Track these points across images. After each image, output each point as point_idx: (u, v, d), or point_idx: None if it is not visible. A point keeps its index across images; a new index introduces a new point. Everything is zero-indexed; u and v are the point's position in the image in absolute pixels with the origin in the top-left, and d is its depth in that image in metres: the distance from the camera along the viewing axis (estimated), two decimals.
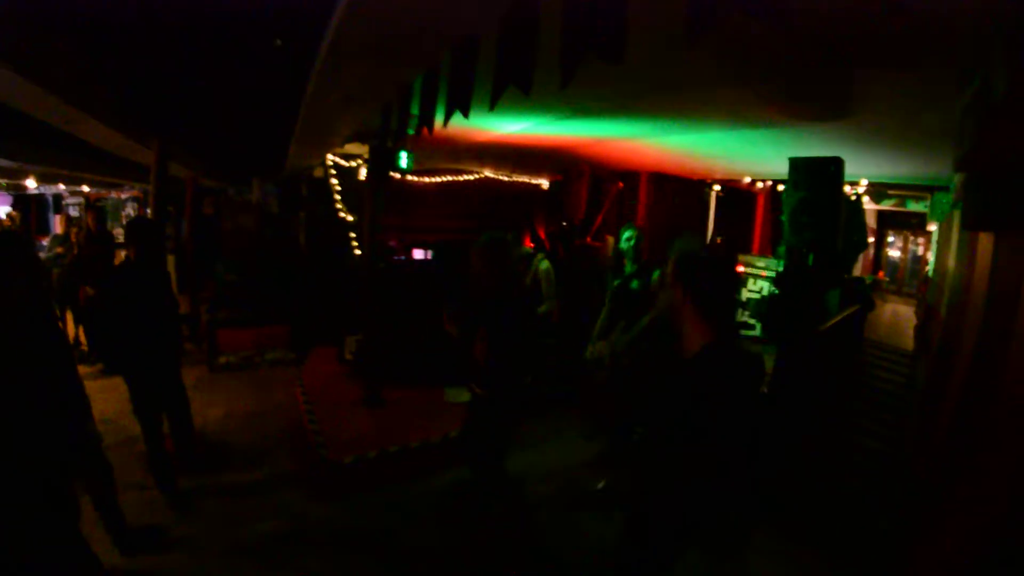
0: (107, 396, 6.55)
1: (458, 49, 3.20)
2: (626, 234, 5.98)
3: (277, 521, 4.82)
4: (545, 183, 13.31)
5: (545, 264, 6.48)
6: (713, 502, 2.73)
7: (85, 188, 18.66)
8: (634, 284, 5.82)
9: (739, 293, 9.16)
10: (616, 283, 6.04)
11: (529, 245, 10.40)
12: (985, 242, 4.50)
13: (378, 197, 6.52)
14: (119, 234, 14.42)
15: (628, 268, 5.92)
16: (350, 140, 7.42)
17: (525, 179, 12.99)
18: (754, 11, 1.75)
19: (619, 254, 6.17)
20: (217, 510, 4.94)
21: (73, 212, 20.07)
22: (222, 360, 8.85)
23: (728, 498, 2.75)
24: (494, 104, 2.94)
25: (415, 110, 4.24)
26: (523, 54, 2.61)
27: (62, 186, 18.69)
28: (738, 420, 2.61)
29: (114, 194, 20.90)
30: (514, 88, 2.72)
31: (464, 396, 6.64)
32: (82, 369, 7.52)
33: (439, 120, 3.97)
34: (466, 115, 3.41)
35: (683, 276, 2.72)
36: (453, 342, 4.74)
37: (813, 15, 2.54)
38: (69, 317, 8.83)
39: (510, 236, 4.62)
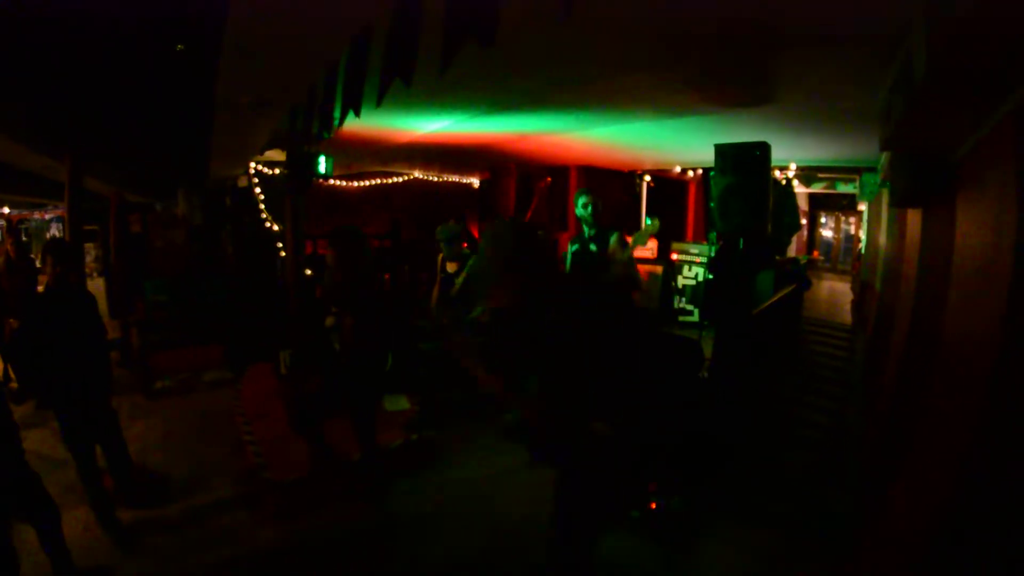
0: (41, 433, 6.25)
1: (353, 46, 3.12)
2: (581, 200, 6.02)
3: (225, 549, 4.61)
4: (475, 182, 13.27)
5: None
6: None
7: (6, 209, 17.91)
8: (592, 247, 5.87)
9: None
10: (575, 248, 6.09)
11: (464, 246, 10.35)
12: (913, 218, 4.59)
13: (299, 204, 6.37)
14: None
15: (586, 232, 5.99)
16: (271, 147, 7.22)
17: (455, 179, 12.94)
18: None
19: (576, 220, 6.24)
20: (164, 543, 4.69)
21: None
22: (158, 385, 8.48)
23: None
24: (380, 100, 2.88)
25: (319, 112, 4.18)
26: (406, 46, 2.55)
27: None
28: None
29: (37, 215, 20.12)
30: (406, 82, 2.67)
31: (403, 403, 6.55)
32: (13, 408, 7.26)
33: (337, 122, 3.91)
34: (357, 114, 3.35)
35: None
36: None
37: None
38: None
39: (356, 228, 4.85)
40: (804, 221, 15.95)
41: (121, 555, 4.50)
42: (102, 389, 4.92)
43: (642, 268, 9.39)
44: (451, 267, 6.56)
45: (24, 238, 18.41)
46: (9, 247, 8.59)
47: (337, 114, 3.71)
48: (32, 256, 9.00)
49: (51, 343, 4.46)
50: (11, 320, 7.67)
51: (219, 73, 4.03)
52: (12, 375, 8.25)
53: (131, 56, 5.28)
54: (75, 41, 4.97)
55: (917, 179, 3.69)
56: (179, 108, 6.45)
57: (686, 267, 9.46)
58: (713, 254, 6.41)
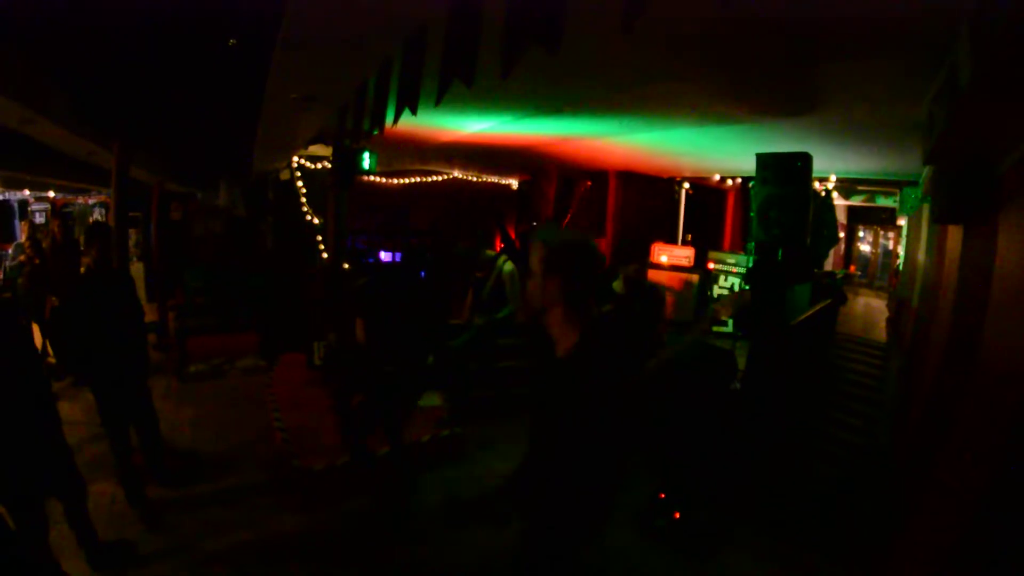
0: (76, 408, 6.41)
1: (407, 45, 3.15)
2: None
3: (248, 532, 4.69)
4: (514, 183, 13.28)
5: (509, 266, 6.39)
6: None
7: (51, 194, 18.30)
8: (636, 306, 5.80)
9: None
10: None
11: (499, 246, 10.32)
12: (954, 234, 4.52)
13: (341, 199, 6.42)
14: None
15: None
16: (315, 142, 7.31)
17: (494, 180, 12.96)
18: None
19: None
20: (188, 522, 4.79)
21: (39, 219, 19.65)
22: (192, 369, 8.65)
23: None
24: (440, 100, 2.89)
25: (371, 109, 4.20)
26: (467, 47, 2.57)
27: (27, 192, 18.33)
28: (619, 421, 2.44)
29: (81, 200, 20.52)
30: (463, 84, 2.67)
31: (434, 400, 6.58)
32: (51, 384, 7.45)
33: (390, 119, 3.92)
34: (414, 112, 3.37)
35: (561, 269, 2.41)
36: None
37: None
38: (36, 329, 8.59)
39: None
40: (842, 234, 15.73)
41: (146, 531, 4.59)
42: (138, 370, 5.03)
43: (678, 276, 9.37)
44: (479, 272, 6.58)
45: (68, 222, 18.83)
46: (56, 229, 8.82)
47: (391, 112, 3.74)
48: (75, 239, 9.21)
49: (90, 322, 4.57)
50: (52, 298, 7.86)
51: (271, 68, 4.10)
52: (50, 351, 8.46)
53: (184, 48, 5.38)
54: (131, 32, 5.09)
55: (959, 194, 3.64)
56: (227, 101, 6.55)
57: (722, 277, 9.42)
58: (751, 264, 6.33)
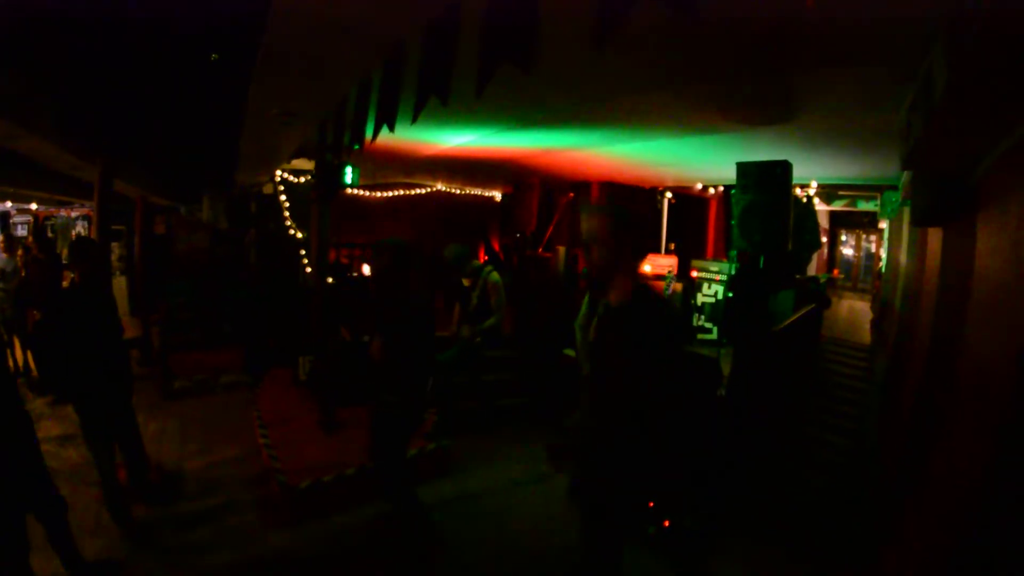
0: (58, 426, 6.34)
1: (385, 63, 3.16)
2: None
3: (234, 550, 4.64)
4: (498, 196, 13.31)
5: (495, 276, 6.38)
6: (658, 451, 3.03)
7: (33, 206, 18.17)
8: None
9: None
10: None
11: (483, 258, 10.30)
12: (934, 237, 4.57)
13: (324, 213, 6.40)
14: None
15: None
16: (298, 156, 7.30)
17: (478, 192, 12.98)
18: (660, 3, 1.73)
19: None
20: (174, 541, 4.74)
21: (21, 231, 19.51)
22: (176, 385, 8.56)
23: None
24: (416, 117, 2.92)
25: (351, 125, 4.20)
26: (442, 65, 2.59)
27: (9, 204, 18.20)
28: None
29: (64, 212, 20.38)
30: (439, 102, 2.70)
31: None
32: (33, 398, 7.36)
33: (369, 135, 3.92)
34: (391, 129, 3.38)
35: (632, 230, 2.94)
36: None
37: (731, 11, 2.54)
38: (16, 343, 8.49)
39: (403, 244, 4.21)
40: (824, 239, 15.84)
41: (132, 551, 4.53)
42: (121, 387, 4.97)
43: (661, 285, 9.41)
44: (466, 282, 6.56)
45: (50, 234, 18.72)
46: (32, 244, 8.74)
47: (370, 128, 3.74)
48: (57, 252, 9.14)
49: (71, 339, 4.52)
50: (33, 311, 7.79)
51: (252, 84, 4.09)
52: (32, 366, 8.37)
53: (167, 63, 5.37)
54: (114, 47, 5.07)
55: (937, 198, 3.67)
56: (210, 115, 6.54)
57: (706, 285, 9.45)
58: (734, 272, 6.37)
